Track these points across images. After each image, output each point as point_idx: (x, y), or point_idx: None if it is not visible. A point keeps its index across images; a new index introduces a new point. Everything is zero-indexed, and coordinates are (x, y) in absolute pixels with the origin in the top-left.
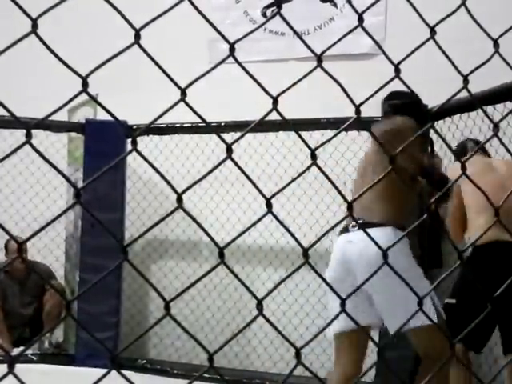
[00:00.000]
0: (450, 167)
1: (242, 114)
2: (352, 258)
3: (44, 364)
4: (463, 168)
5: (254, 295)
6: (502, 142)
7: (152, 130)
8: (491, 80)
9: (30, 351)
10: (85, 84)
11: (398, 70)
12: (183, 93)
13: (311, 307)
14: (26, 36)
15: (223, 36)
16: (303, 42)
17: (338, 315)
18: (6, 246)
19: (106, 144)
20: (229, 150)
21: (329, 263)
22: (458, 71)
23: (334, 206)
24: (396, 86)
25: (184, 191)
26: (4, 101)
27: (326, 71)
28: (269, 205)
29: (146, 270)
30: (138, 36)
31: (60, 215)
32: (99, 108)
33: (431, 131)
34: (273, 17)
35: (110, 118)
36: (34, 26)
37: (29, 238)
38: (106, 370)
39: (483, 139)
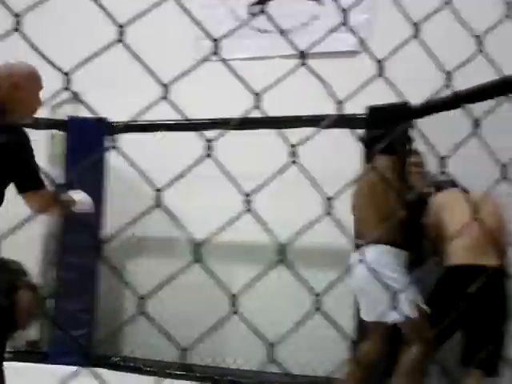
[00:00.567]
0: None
1: (227, 112)
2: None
3: (18, 362)
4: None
5: (228, 291)
6: (481, 138)
7: (134, 127)
8: (477, 78)
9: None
10: (67, 81)
11: (381, 67)
12: (166, 90)
13: (286, 304)
14: (9, 33)
15: (208, 33)
16: (287, 39)
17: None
18: None
19: (87, 141)
20: (209, 147)
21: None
22: (441, 67)
23: (315, 204)
24: (380, 83)
25: (163, 188)
26: None
27: (309, 68)
28: (248, 202)
29: (123, 268)
30: (122, 33)
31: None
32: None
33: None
34: (257, 14)
35: (92, 115)
36: (18, 23)
37: (5, 236)
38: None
39: (465, 136)
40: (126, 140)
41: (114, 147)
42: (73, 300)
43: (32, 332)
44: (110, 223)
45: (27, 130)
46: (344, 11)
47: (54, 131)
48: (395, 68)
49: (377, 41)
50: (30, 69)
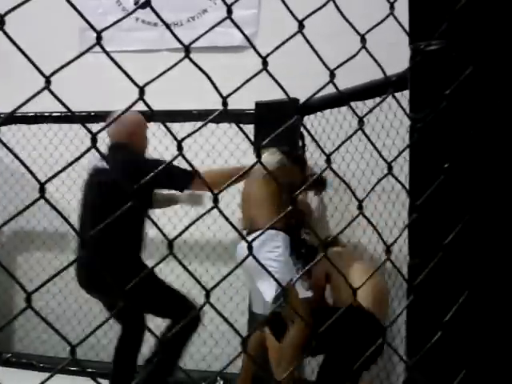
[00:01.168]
0: None
1: (114, 104)
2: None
3: None
4: None
5: (117, 287)
6: (366, 136)
7: (19, 119)
8: (370, 76)
9: None
10: None
11: (265, 63)
12: (47, 81)
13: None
14: None
15: (90, 24)
16: (172, 32)
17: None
18: None
19: None
20: (93, 140)
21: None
22: (325, 65)
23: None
24: (266, 79)
25: (47, 181)
26: None
27: (193, 62)
28: (133, 196)
29: (12, 262)
30: (2, 22)
31: None
32: None
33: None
34: (141, 7)
35: None
36: None
37: None
38: None
39: (351, 133)
40: (14, 131)
41: None
42: None
43: None
44: None
45: None
46: (229, 6)
47: None
48: (283, 63)
49: (264, 35)
50: (139, 118)
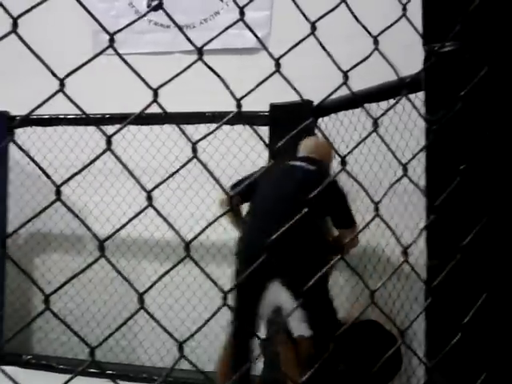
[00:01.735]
0: None
1: (129, 107)
2: None
3: None
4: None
5: (134, 289)
6: (381, 138)
7: (35, 121)
8: (384, 78)
9: None
10: None
11: (278, 65)
12: (61, 83)
13: (198, 301)
14: None
15: (103, 27)
16: (184, 34)
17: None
18: None
19: None
20: (109, 142)
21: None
22: (338, 67)
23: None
24: (280, 80)
25: (62, 183)
26: None
27: (206, 64)
28: (149, 198)
29: (29, 264)
30: (15, 24)
31: None
32: None
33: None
34: (153, 9)
35: None
36: None
37: None
38: None
39: (366, 135)
40: (29, 133)
41: (13, 141)
42: None
43: None
44: (15, 219)
45: None
46: (241, 8)
47: None
48: (296, 65)
49: (277, 37)
50: (329, 144)
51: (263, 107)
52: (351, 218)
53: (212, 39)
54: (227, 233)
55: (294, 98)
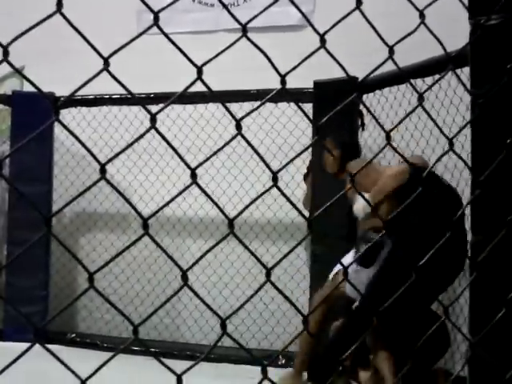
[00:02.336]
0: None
1: (174, 87)
2: None
3: None
4: None
5: (178, 266)
6: (426, 112)
7: (79, 101)
8: (425, 54)
9: None
10: (5, 53)
11: (323, 41)
12: (106, 62)
13: (241, 278)
14: None
15: (148, 5)
16: (229, 12)
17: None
18: None
19: (33, 116)
20: (153, 119)
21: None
22: (384, 41)
23: (264, 177)
24: (323, 56)
25: (107, 162)
26: None
27: (251, 40)
28: (193, 175)
29: (74, 243)
30: (60, 4)
31: None
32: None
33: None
34: None
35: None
36: None
37: None
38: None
39: (411, 110)
40: (74, 114)
41: (58, 121)
42: (26, 276)
43: None
44: (60, 199)
45: None
46: None
47: (0, 106)
48: (341, 42)
49: (321, 13)
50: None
51: (308, 85)
52: None
53: (256, 16)
54: (271, 210)
55: (340, 75)
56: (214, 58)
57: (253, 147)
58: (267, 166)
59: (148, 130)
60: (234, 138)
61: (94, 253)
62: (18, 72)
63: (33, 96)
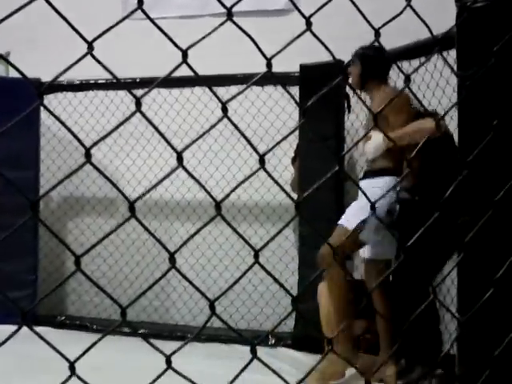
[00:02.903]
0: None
1: (160, 72)
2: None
3: None
4: None
5: (165, 248)
6: (413, 94)
7: (65, 86)
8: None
9: None
10: None
11: (309, 24)
12: (90, 46)
13: (230, 260)
14: None
15: None
16: None
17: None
18: None
19: (18, 102)
20: (138, 103)
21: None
22: (370, 24)
23: (251, 160)
24: (309, 40)
25: (92, 145)
26: None
27: (236, 24)
28: (180, 158)
29: (62, 228)
30: None
31: None
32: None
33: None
34: None
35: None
36: None
37: None
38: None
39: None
40: (60, 99)
41: (43, 105)
42: (14, 261)
43: None
44: (47, 184)
45: None
46: None
47: None
48: (326, 26)
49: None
50: None
51: (296, 69)
52: None
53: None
54: (258, 193)
55: (326, 58)
56: (199, 41)
57: (239, 130)
58: (254, 149)
59: (133, 114)
60: (220, 120)
61: (83, 237)
62: (3, 58)
63: (18, 82)
